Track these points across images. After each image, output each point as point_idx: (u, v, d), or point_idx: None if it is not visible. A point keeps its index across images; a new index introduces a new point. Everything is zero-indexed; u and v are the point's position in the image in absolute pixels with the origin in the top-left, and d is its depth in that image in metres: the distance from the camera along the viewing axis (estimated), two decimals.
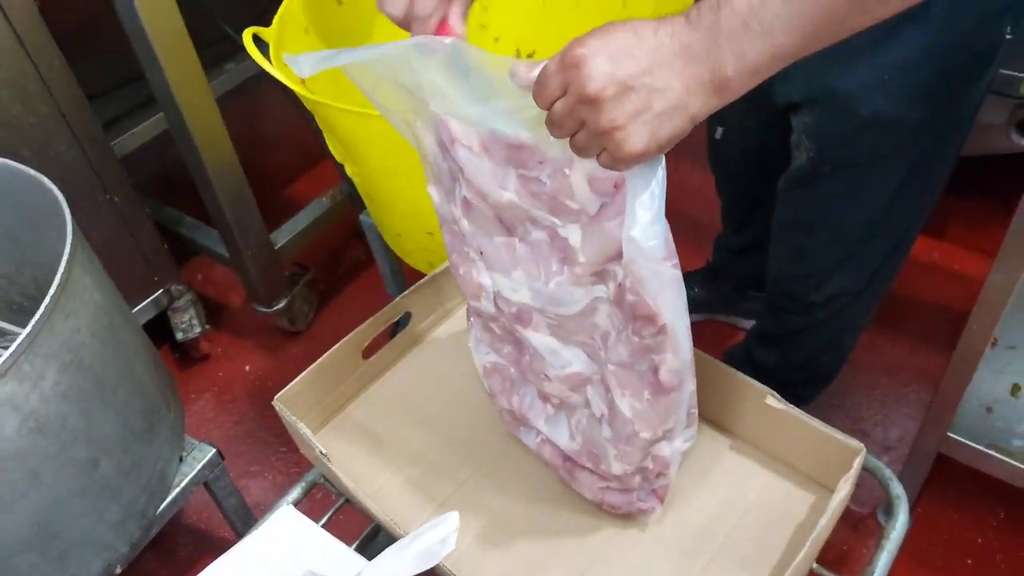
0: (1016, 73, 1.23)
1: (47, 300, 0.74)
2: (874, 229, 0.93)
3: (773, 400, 0.80)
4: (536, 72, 0.52)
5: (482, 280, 0.74)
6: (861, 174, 0.87)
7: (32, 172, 0.87)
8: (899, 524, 0.78)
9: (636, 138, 0.50)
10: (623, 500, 0.79)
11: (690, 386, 0.70)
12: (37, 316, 0.73)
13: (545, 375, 0.76)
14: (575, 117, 0.51)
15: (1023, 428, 1.03)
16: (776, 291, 1.06)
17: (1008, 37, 0.77)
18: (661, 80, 0.49)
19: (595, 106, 0.49)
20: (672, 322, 0.62)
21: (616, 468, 0.75)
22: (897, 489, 0.80)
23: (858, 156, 0.86)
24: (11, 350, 0.71)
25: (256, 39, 1.03)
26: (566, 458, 0.82)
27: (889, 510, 0.79)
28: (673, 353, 0.64)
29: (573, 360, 0.74)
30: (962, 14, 0.74)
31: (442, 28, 0.62)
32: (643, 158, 0.52)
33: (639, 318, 0.62)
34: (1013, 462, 0.99)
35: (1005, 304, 0.85)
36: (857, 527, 1.22)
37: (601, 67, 0.49)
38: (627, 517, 0.82)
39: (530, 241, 0.67)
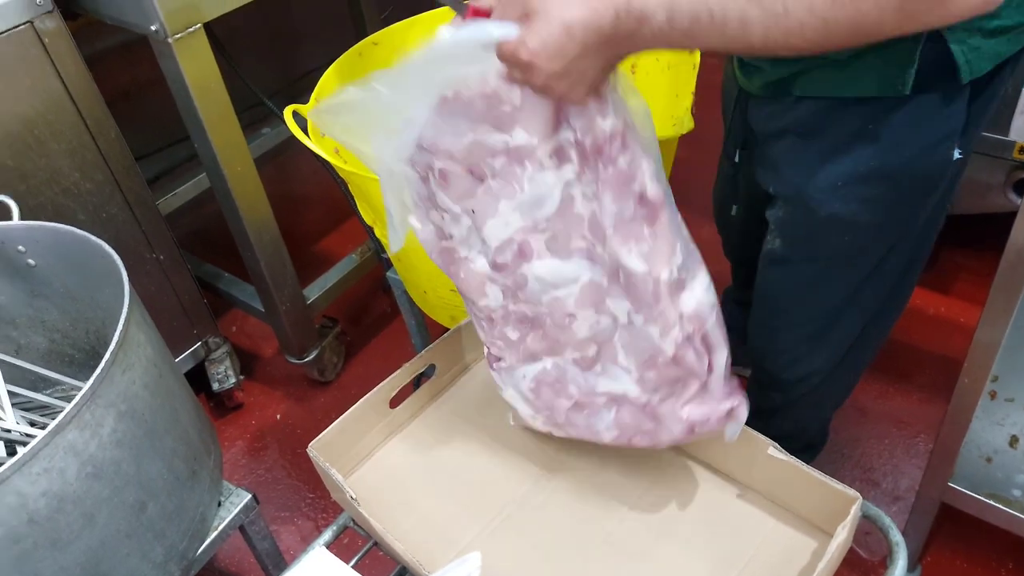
0: (1009, 138, 1.30)
1: (108, 355, 0.82)
2: (840, 316, 0.99)
3: (775, 451, 0.85)
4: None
5: (478, 267, 0.83)
6: (824, 267, 0.95)
7: (93, 238, 0.96)
8: (898, 570, 0.82)
9: (576, 95, 0.67)
10: (708, 411, 0.82)
11: (676, 213, 0.76)
12: (99, 369, 0.80)
13: (569, 317, 0.81)
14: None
15: (1022, 479, 1.06)
16: (755, 368, 1.13)
17: (959, 157, 0.83)
18: (584, 64, 0.65)
19: (546, 90, 0.66)
20: (623, 124, 0.70)
21: (667, 346, 0.78)
22: (896, 536, 0.84)
23: (820, 250, 0.93)
24: (76, 400, 0.78)
25: (295, 114, 1.12)
26: (643, 408, 0.84)
27: (890, 557, 0.84)
28: (645, 158, 0.71)
29: (580, 271, 0.79)
30: (908, 142, 0.81)
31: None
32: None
33: (599, 144, 0.71)
34: (1013, 512, 1.02)
35: (994, 358, 0.90)
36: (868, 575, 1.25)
37: (543, 68, 0.64)
38: (641, 559, 0.86)
39: (497, 170, 0.76)
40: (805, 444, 1.24)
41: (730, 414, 0.83)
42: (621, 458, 0.96)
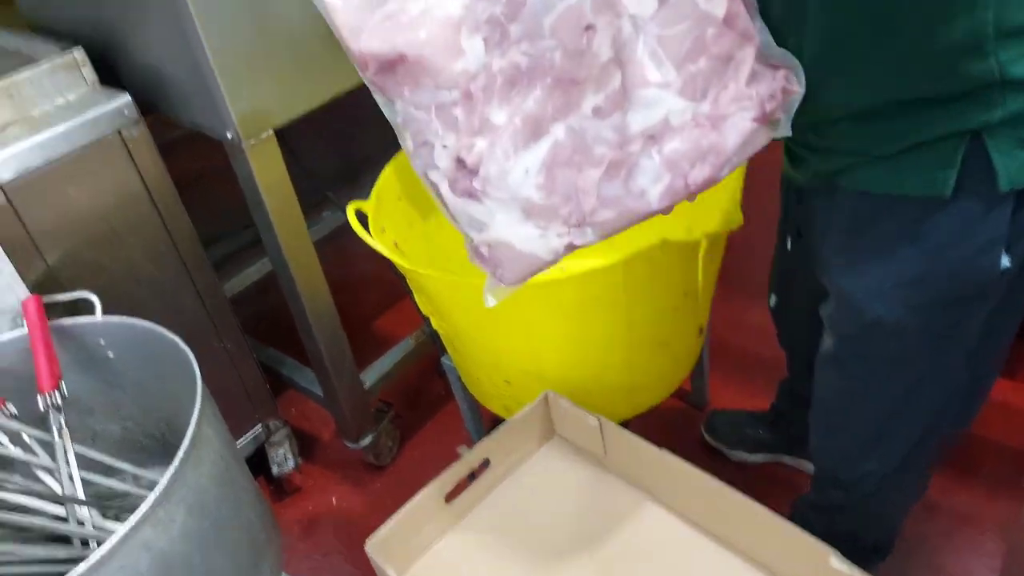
0: None
1: (181, 453, 0.85)
2: (895, 419, 0.97)
3: (836, 561, 0.84)
4: None
5: (446, 9, 0.65)
6: (875, 369, 0.93)
7: (169, 335, 1.01)
8: None
9: None
10: (769, 83, 0.72)
11: None
12: (173, 469, 0.84)
13: (588, 32, 0.67)
14: None
15: None
16: (816, 465, 1.11)
17: (1007, 267, 0.80)
18: None
19: None
20: None
21: (716, 5, 0.68)
22: None
23: (870, 352, 0.92)
24: (150, 500, 0.81)
25: (357, 212, 1.18)
26: (694, 125, 0.72)
27: None
28: None
29: None
30: (952, 246, 0.80)
31: None
32: None
33: None
34: None
35: None
36: None
37: None
38: None
39: None
40: (872, 547, 1.20)
41: (785, 88, 0.72)
42: (681, 556, 0.95)
